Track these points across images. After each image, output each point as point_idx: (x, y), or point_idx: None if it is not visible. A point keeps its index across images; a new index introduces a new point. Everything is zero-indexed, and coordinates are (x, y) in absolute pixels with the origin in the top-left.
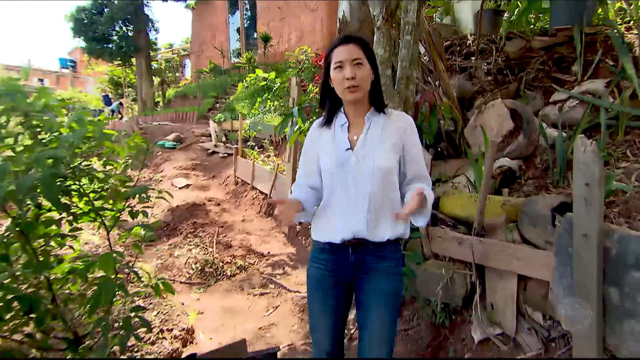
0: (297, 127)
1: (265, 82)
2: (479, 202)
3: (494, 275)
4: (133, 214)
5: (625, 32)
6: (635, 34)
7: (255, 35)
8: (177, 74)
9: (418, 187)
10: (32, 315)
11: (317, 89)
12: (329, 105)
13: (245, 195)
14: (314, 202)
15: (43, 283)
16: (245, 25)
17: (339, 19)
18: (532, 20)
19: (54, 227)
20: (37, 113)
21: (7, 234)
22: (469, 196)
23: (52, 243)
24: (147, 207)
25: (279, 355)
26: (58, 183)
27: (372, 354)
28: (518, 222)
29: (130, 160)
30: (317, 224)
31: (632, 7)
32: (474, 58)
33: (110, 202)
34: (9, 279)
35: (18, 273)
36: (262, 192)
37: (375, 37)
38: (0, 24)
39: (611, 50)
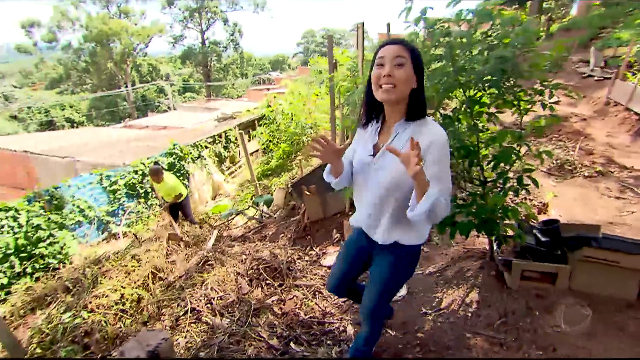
0: None
1: None
2: None
3: None
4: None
5: None
6: None
7: None
8: (564, 10)
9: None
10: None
11: None
12: (367, 103)
13: (616, 115)
14: (349, 178)
15: (473, 139)
16: None
17: None
18: None
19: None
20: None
21: (461, 107)
22: None
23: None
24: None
25: None
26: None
27: (361, 312)
28: None
29: None
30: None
31: None
32: None
33: (521, 93)
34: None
35: (463, 130)
36: (636, 113)
37: None
38: None
39: None
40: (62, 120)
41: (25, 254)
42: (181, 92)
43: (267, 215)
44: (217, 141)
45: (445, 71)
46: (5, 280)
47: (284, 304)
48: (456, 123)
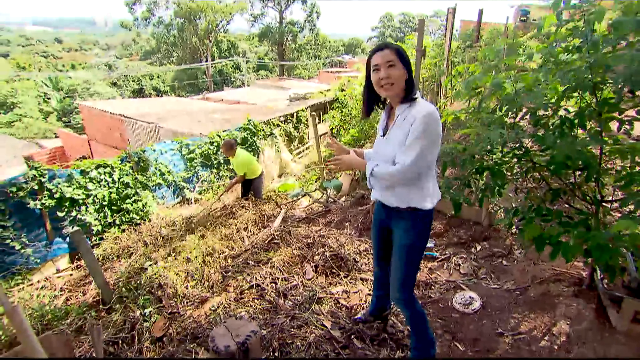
0: None
1: None
2: None
3: None
4: None
5: None
6: None
7: None
8: None
9: (370, 163)
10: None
11: None
12: (368, 99)
13: None
14: None
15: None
16: None
17: None
18: None
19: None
20: None
21: (586, 110)
22: None
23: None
24: None
25: None
26: None
27: (391, 285)
28: None
29: None
30: None
31: None
32: None
33: None
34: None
35: (584, 137)
36: None
37: None
38: None
39: None
40: (150, 89)
41: (115, 207)
42: (255, 69)
43: (332, 200)
44: (288, 120)
45: (574, 67)
46: (99, 228)
47: (348, 297)
48: (575, 129)
